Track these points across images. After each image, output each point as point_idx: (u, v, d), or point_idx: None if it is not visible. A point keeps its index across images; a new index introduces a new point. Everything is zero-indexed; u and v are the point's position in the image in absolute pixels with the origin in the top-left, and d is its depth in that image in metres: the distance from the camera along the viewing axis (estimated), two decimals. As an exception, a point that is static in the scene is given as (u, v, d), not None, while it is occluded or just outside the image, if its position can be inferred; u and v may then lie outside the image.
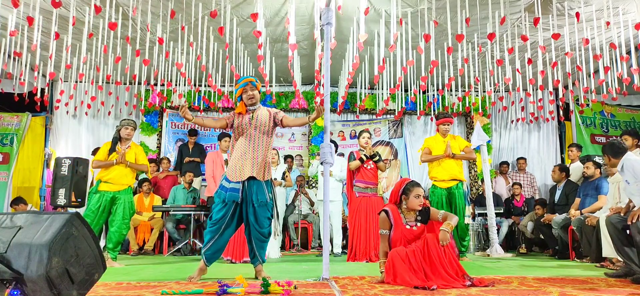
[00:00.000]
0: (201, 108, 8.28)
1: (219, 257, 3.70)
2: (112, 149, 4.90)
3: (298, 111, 8.87)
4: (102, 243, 5.98)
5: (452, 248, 3.26)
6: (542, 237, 6.66)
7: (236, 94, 3.75)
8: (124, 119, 5.06)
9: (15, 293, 2.02)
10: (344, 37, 6.26)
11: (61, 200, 6.98)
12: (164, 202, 7.18)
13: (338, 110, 8.54)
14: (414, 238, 3.38)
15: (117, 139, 4.96)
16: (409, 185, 3.48)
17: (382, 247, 3.49)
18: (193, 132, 8.11)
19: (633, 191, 3.82)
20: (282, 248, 6.94)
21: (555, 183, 6.74)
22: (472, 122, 8.69)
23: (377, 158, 5.51)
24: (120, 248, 6.83)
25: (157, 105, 8.29)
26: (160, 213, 6.92)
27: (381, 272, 3.36)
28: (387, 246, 3.46)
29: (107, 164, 4.86)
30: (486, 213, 6.66)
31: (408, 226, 3.44)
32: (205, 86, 7.63)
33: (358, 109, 8.63)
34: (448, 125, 5.53)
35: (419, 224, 3.44)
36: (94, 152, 6.34)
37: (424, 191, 3.46)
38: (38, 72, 6.57)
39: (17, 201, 7.02)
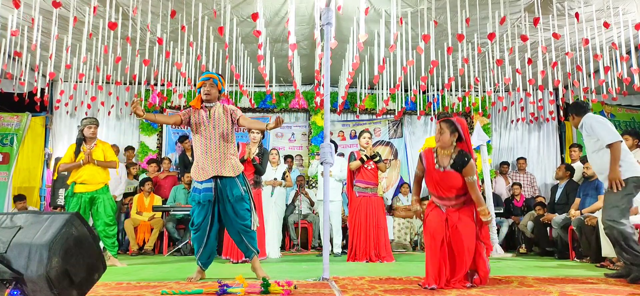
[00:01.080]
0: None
1: (213, 260, 3.69)
2: (77, 151, 4.83)
3: (298, 111, 8.87)
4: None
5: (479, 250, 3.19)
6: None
7: (197, 86, 3.73)
8: (85, 119, 5.00)
9: (15, 293, 2.02)
10: (344, 37, 6.26)
11: (61, 200, 6.98)
12: (164, 202, 7.17)
13: (338, 110, 8.54)
14: (439, 179, 3.18)
15: (81, 140, 4.89)
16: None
17: (414, 190, 3.47)
18: (183, 138, 7.97)
19: (588, 148, 3.88)
20: (282, 248, 6.94)
21: (556, 182, 6.74)
22: (472, 122, 8.69)
23: (378, 158, 5.51)
24: (120, 247, 6.86)
25: (157, 105, 8.28)
26: (161, 213, 6.92)
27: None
28: (418, 190, 3.42)
29: (74, 165, 4.78)
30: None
31: (437, 168, 3.20)
32: (205, 86, 7.61)
33: (358, 109, 8.63)
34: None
35: (450, 168, 3.16)
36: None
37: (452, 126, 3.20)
38: (38, 72, 6.57)
39: (19, 198, 7.11)
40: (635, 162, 3.73)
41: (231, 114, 3.67)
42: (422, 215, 3.38)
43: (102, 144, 5.01)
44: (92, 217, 4.86)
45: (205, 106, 3.68)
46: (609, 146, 3.62)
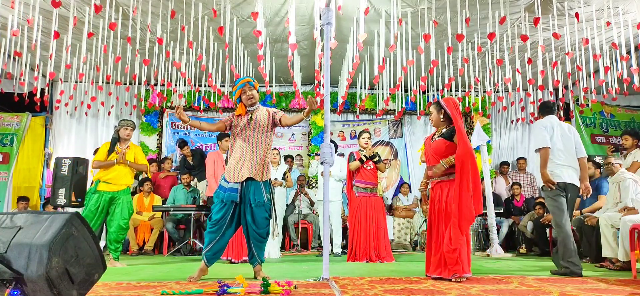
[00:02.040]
0: (201, 108, 8.27)
1: (219, 257, 3.71)
2: (111, 150, 4.90)
3: (298, 111, 8.87)
4: (101, 243, 5.97)
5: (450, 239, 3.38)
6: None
7: (235, 95, 3.73)
8: (123, 120, 5.07)
9: (15, 293, 2.02)
10: (344, 37, 6.26)
11: (61, 200, 6.99)
12: (164, 202, 7.17)
13: (338, 110, 8.54)
14: (429, 148, 3.69)
15: (116, 140, 4.97)
16: None
17: (425, 174, 3.89)
18: (182, 144, 7.93)
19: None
20: (282, 248, 6.94)
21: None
22: (472, 122, 8.69)
23: (377, 158, 5.51)
24: (121, 248, 6.87)
25: (157, 105, 8.28)
26: (160, 213, 6.92)
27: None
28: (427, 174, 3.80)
29: (107, 164, 4.86)
30: (486, 213, 6.66)
31: (431, 141, 3.69)
32: (205, 86, 7.62)
33: (358, 109, 8.63)
34: None
35: (439, 138, 3.63)
36: (95, 152, 6.36)
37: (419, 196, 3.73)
38: (38, 72, 6.57)
39: (23, 199, 7.17)
40: (560, 169, 4.04)
41: (273, 117, 3.70)
42: (427, 196, 3.84)
43: (134, 147, 5.08)
44: (108, 217, 4.90)
45: (249, 110, 3.70)
46: (537, 151, 4.09)
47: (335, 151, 6.07)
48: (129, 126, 5.01)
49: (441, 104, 3.65)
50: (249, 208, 3.58)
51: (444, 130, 3.63)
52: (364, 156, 5.46)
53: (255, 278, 3.63)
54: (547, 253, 6.45)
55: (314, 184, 8.27)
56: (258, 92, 3.78)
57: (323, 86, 4.52)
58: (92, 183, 4.94)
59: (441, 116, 3.64)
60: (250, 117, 3.66)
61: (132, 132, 5.04)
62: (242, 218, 3.64)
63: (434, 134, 3.76)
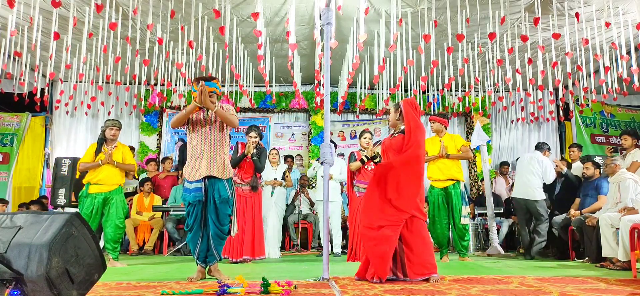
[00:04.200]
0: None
1: (212, 259, 3.69)
2: (98, 151, 4.88)
3: (298, 111, 8.87)
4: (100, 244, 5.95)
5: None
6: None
7: (193, 92, 3.70)
8: (108, 120, 5.05)
9: (15, 293, 2.02)
10: (344, 37, 6.26)
11: (61, 200, 7.00)
12: (164, 202, 7.17)
13: (338, 110, 8.54)
14: (387, 144, 3.79)
15: (102, 140, 4.95)
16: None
17: None
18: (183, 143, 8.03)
19: None
20: (282, 248, 6.94)
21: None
22: (472, 122, 8.69)
23: (379, 159, 5.50)
24: (120, 248, 6.87)
25: (157, 105, 8.28)
26: (160, 213, 6.92)
27: None
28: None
29: (94, 165, 4.84)
30: (486, 213, 6.66)
31: (389, 136, 3.89)
32: (205, 86, 7.60)
33: (358, 109, 8.63)
34: (436, 124, 5.59)
35: (397, 134, 3.75)
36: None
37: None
38: (38, 72, 6.57)
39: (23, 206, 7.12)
40: (521, 188, 5.93)
41: None
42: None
43: (122, 147, 5.06)
44: (103, 218, 4.88)
45: (203, 108, 3.70)
46: None
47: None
48: (114, 126, 4.98)
49: (399, 105, 3.78)
50: (212, 206, 3.60)
51: (402, 127, 3.73)
52: (366, 156, 5.46)
53: (208, 276, 3.62)
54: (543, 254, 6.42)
55: (313, 184, 8.27)
56: (221, 93, 3.77)
57: (323, 86, 4.51)
58: (83, 185, 4.92)
59: (397, 116, 3.78)
60: (206, 114, 3.67)
61: (118, 132, 5.02)
62: (204, 215, 3.64)
63: (393, 134, 3.87)
